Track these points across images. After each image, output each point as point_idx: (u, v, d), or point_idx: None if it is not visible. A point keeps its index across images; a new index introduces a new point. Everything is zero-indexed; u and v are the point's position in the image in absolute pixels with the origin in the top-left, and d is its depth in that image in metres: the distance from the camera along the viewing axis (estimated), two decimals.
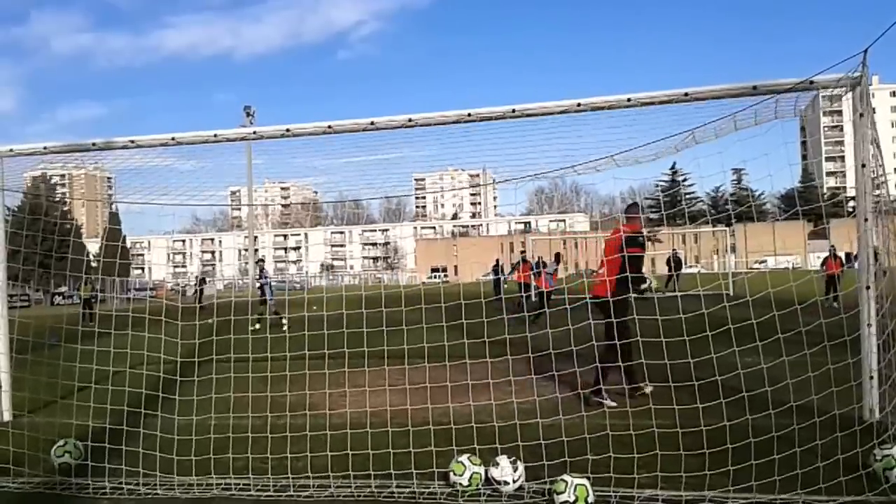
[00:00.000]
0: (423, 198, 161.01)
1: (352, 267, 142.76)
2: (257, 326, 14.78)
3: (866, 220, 5.15)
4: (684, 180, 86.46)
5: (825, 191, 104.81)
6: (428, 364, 6.56)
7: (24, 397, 6.87)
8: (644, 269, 7.45)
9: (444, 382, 5.82)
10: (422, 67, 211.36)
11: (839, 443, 4.33)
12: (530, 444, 4.80)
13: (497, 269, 26.23)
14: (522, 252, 22.84)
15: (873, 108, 5.21)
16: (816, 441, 4.36)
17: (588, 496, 3.90)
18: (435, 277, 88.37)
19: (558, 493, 3.94)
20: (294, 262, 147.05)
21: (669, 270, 26.40)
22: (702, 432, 4.56)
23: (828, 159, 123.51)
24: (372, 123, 5.87)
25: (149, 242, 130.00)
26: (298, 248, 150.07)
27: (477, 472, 4.32)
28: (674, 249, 29.22)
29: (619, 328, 6.21)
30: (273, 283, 19.01)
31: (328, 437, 5.21)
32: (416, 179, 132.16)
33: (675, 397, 4.95)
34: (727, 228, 31.63)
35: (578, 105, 5.48)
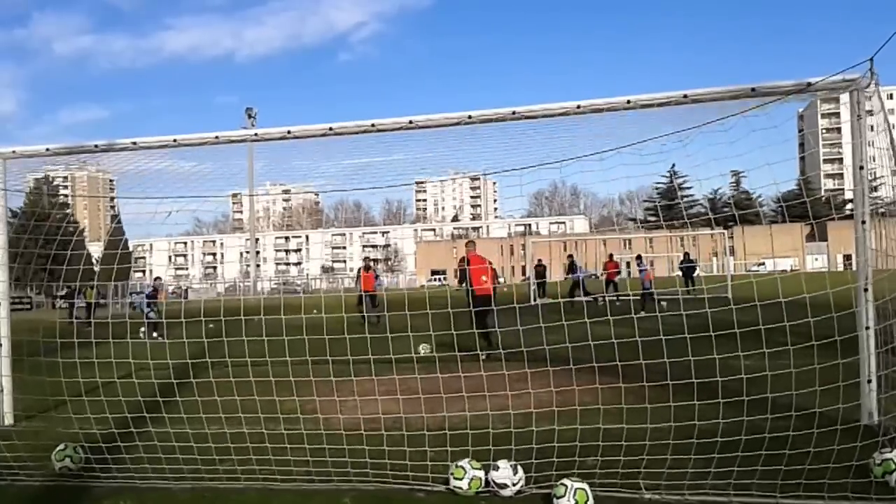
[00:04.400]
0: (424, 200, 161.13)
1: (352, 269, 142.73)
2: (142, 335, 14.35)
3: (864, 222, 5.15)
4: (682, 183, 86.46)
5: (823, 193, 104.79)
6: (431, 371, 6.57)
7: (25, 401, 6.89)
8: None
9: (446, 390, 5.83)
10: (422, 69, 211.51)
11: (837, 445, 4.33)
12: (530, 447, 4.80)
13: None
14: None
15: (869, 111, 5.22)
16: (814, 443, 4.37)
17: (588, 500, 3.91)
18: (435, 280, 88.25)
19: (558, 497, 3.95)
20: (295, 264, 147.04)
21: (683, 273, 26.38)
22: (703, 435, 4.57)
23: (825, 161, 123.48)
24: (373, 125, 5.88)
25: (150, 245, 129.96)
26: (299, 249, 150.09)
27: (477, 476, 4.32)
28: (686, 252, 29.29)
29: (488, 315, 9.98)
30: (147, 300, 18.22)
31: (327, 440, 5.23)
32: (416, 182, 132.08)
33: (670, 399, 4.95)
34: (725, 231, 31.60)
35: (578, 107, 5.50)
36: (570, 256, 26.08)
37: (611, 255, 25.55)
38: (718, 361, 5.10)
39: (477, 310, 10.03)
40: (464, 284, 10.75)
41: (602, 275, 25.06)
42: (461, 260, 11.32)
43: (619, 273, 25.38)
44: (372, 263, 20.99)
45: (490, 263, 11.13)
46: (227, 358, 6.57)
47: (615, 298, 21.87)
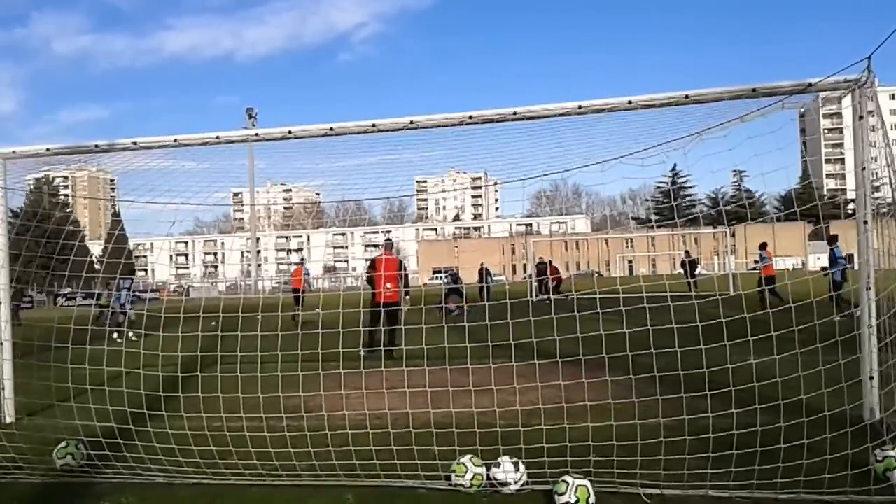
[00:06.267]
0: (425, 199, 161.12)
1: (354, 268, 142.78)
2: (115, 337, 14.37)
3: (866, 222, 5.16)
4: (685, 182, 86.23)
5: (825, 193, 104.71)
6: (427, 367, 6.57)
7: (27, 398, 6.90)
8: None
9: (446, 385, 5.84)
10: (423, 69, 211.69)
11: (838, 442, 4.33)
12: (532, 445, 4.81)
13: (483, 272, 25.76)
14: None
15: (870, 112, 5.22)
16: (815, 440, 4.37)
17: (589, 497, 3.91)
18: (437, 279, 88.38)
19: (560, 494, 3.95)
20: (296, 264, 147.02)
21: (685, 273, 26.35)
22: (704, 431, 4.58)
23: (827, 161, 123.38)
24: (373, 125, 5.88)
25: (151, 244, 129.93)
26: (300, 249, 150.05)
27: (479, 474, 4.33)
28: (686, 251, 29.32)
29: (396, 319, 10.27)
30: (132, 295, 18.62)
31: (328, 437, 5.24)
32: (417, 181, 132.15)
33: (659, 395, 4.96)
34: (727, 230, 31.55)
35: (580, 107, 5.49)
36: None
37: (549, 262, 28.56)
38: (722, 359, 5.11)
39: (377, 314, 10.09)
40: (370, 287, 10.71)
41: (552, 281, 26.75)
42: (371, 266, 11.22)
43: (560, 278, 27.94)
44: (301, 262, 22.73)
45: (403, 267, 11.14)
46: (231, 353, 6.58)
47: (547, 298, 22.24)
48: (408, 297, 11.34)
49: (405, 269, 11.16)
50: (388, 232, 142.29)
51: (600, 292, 5.95)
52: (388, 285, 10.44)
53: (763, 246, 19.21)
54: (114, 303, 16.99)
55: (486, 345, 6.38)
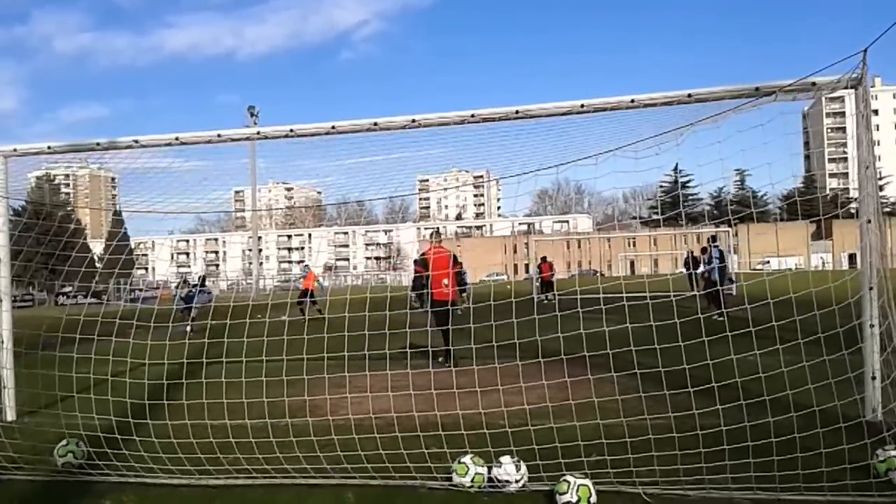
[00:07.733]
0: (427, 198, 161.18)
1: (355, 267, 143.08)
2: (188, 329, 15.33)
3: (869, 221, 5.14)
4: (687, 182, 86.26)
5: (828, 192, 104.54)
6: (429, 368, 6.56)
7: (28, 396, 6.90)
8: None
9: (448, 386, 5.83)
10: (425, 68, 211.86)
11: (839, 441, 4.32)
12: (533, 445, 4.80)
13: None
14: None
15: (874, 111, 5.21)
16: (816, 439, 4.36)
17: (591, 496, 3.91)
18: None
19: (561, 494, 3.95)
20: (297, 263, 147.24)
21: (688, 271, 26.44)
22: (700, 430, 4.58)
23: (830, 160, 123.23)
24: (375, 124, 5.87)
25: (152, 243, 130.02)
26: (302, 248, 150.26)
27: (480, 473, 4.32)
28: (689, 250, 29.40)
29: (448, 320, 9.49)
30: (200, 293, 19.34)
31: (333, 438, 5.23)
32: (419, 180, 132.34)
33: (665, 396, 4.95)
34: (729, 229, 31.48)
35: (582, 106, 5.48)
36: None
37: (544, 258, 28.59)
38: (723, 359, 5.10)
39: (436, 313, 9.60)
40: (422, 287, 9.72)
41: (537, 277, 27.56)
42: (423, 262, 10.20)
43: (553, 274, 28.22)
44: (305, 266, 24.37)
45: (452, 259, 10.14)
46: (235, 354, 6.58)
47: (544, 298, 22.87)
48: (464, 295, 10.77)
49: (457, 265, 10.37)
50: (389, 231, 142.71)
51: (596, 292, 5.93)
52: (445, 282, 9.74)
53: (703, 251, 19.74)
54: (197, 298, 18.05)
55: (487, 345, 6.37)
